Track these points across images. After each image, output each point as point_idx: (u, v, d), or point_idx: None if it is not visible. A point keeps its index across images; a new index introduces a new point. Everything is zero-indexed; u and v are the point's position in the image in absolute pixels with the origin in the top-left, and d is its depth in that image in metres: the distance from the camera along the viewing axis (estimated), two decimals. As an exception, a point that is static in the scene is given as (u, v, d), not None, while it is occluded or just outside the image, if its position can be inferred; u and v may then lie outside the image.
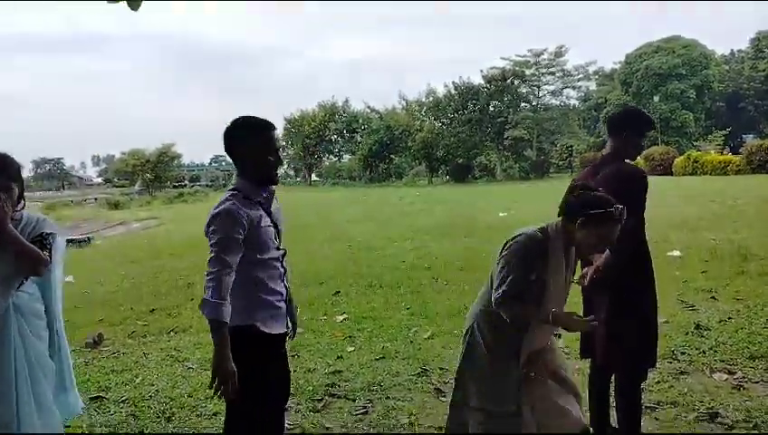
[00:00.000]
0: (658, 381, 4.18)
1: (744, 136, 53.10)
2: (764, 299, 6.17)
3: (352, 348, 5.31)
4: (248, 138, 2.55)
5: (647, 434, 3.39)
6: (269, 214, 2.60)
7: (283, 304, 2.64)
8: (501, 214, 16.46)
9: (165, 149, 58.87)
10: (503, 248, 2.54)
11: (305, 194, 39.30)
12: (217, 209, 2.47)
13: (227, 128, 2.58)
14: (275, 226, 2.63)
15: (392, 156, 58.23)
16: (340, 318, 6.32)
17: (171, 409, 4.14)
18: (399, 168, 61.42)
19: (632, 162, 3.41)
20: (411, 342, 5.43)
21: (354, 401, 4.15)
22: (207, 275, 2.41)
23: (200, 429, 3.81)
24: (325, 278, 8.46)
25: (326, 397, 4.22)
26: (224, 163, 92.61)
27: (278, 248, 2.64)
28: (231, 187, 2.60)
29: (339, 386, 4.42)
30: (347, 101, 61.21)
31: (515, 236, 2.51)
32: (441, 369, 4.69)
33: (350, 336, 5.66)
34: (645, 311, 3.17)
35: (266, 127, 2.59)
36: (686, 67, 54.20)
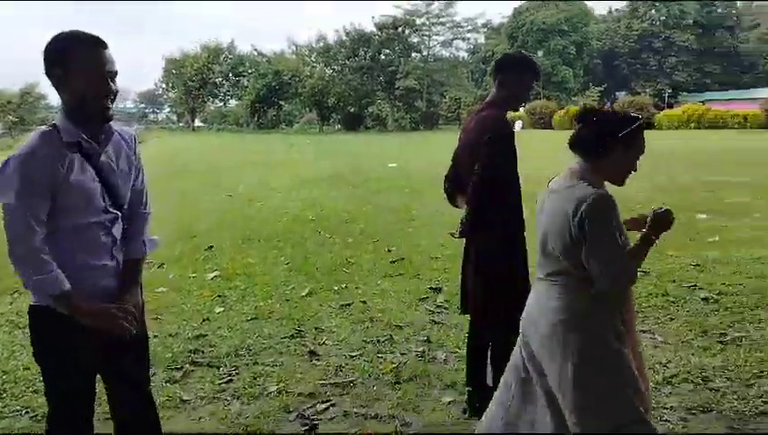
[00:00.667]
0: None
1: (617, 93, 56.78)
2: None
3: (221, 309, 4.91)
4: (65, 57, 1.86)
5: None
6: (95, 166, 1.96)
7: (107, 281, 2.04)
8: (390, 165, 16.40)
9: (29, 90, 53.52)
10: (580, 220, 2.05)
11: (187, 139, 37.33)
12: (12, 156, 1.86)
13: (45, 45, 1.89)
14: (105, 182, 1.99)
15: (281, 102, 56.50)
16: (211, 275, 5.86)
17: (3, 384, 3.59)
18: (290, 115, 59.94)
19: (514, 111, 3.21)
20: (287, 300, 5.12)
21: (218, 368, 3.79)
22: (11, 254, 1.88)
23: (35, 406, 3.31)
24: (198, 232, 7.89)
25: (187, 365, 3.81)
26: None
27: (107, 210, 2.01)
28: (50, 123, 1.96)
29: (202, 352, 4.03)
30: (232, 42, 58.30)
31: (579, 204, 2.06)
32: (317, 329, 4.44)
33: (219, 296, 5.24)
34: (516, 264, 3.04)
35: (91, 43, 1.89)
36: (568, 24, 56.55)
